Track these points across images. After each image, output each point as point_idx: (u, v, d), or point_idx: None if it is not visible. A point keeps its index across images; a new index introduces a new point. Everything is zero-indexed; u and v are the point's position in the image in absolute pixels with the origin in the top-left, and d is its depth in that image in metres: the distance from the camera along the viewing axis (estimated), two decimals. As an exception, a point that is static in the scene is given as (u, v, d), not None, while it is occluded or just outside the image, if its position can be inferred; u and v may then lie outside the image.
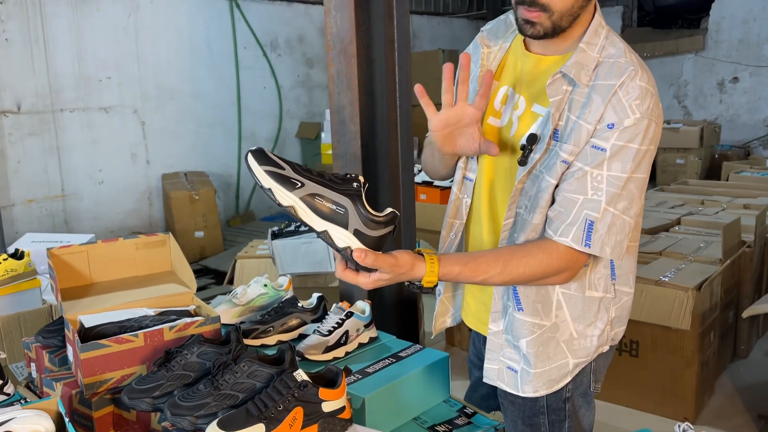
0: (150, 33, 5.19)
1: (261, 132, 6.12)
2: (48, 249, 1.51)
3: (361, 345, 1.54)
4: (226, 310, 1.67)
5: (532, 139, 1.13)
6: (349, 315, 1.53)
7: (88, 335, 1.37)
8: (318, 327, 1.53)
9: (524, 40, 1.21)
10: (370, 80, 1.76)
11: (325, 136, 5.64)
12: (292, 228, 2.91)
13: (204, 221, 4.84)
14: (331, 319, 1.52)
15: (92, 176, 4.96)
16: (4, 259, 2.14)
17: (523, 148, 1.14)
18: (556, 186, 1.11)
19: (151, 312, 1.47)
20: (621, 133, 1.06)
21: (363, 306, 1.58)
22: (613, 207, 1.07)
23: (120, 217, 5.14)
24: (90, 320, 1.40)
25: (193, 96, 5.53)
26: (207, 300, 1.59)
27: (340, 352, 1.49)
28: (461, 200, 1.30)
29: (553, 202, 1.11)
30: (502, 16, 1.27)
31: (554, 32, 1.10)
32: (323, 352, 1.46)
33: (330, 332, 1.49)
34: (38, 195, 4.69)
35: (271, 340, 1.56)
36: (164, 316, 1.46)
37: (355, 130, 1.72)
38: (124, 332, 1.36)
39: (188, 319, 1.39)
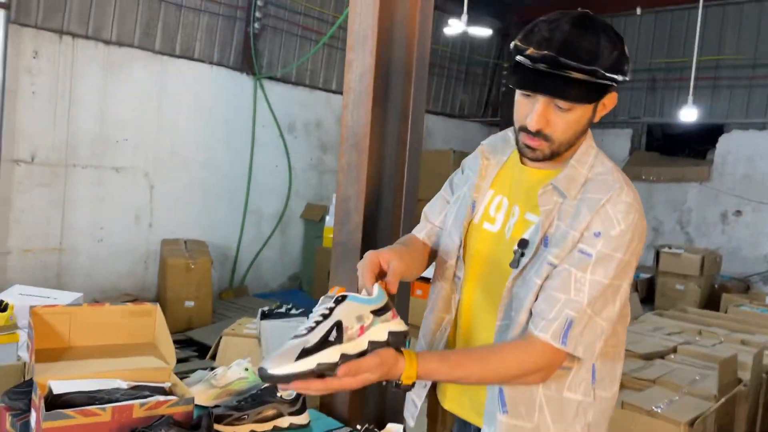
0: (173, 101, 5.34)
1: (267, 208, 6.17)
2: (31, 306, 1.47)
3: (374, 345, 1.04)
4: (203, 391, 1.62)
5: (524, 243, 1.19)
6: (342, 299, 1.06)
7: (55, 402, 1.31)
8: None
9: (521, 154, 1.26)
10: (378, 175, 1.78)
11: (329, 220, 5.68)
12: (282, 310, 2.86)
13: (196, 291, 4.78)
14: (314, 314, 1.07)
15: (93, 233, 4.96)
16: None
17: (515, 252, 1.20)
18: (541, 285, 1.16)
19: (124, 385, 1.41)
20: (607, 241, 1.13)
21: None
22: (591, 309, 1.13)
23: (113, 278, 5.09)
24: (60, 386, 1.35)
25: (205, 166, 5.62)
26: (186, 373, 1.54)
27: (329, 356, 1.00)
28: (451, 296, 1.32)
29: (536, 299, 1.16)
30: (500, 133, 1.38)
31: (552, 157, 1.19)
32: (296, 359, 0.99)
33: (310, 330, 1.02)
34: (35, 246, 4.67)
35: (244, 429, 1.49)
36: (137, 391, 1.40)
37: (358, 221, 1.72)
38: (93, 403, 1.30)
39: (161, 397, 1.34)
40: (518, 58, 1.13)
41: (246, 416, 1.50)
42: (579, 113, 1.14)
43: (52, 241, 4.76)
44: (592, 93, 1.12)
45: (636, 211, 1.15)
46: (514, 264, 1.18)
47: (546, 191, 1.18)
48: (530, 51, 1.10)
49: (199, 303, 4.80)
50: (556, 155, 1.18)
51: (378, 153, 1.77)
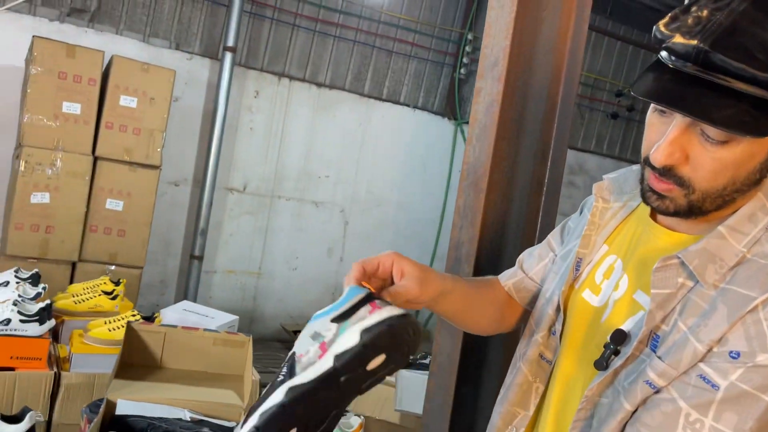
0: (373, 142, 5.52)
1: (457, 254, 6.02)
2: (128, 323, 1.50)
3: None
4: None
5: (619, 337, 0.81)
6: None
7: (117, 421, 1.29)
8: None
9: None
10: (501, 220, 1.53)
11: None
12: (427, 361, 2.66)
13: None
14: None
15: (288, 261, 5.27)
16: (137, 320, 2.23)
17: (606, 346, 0.82)
18: (633, 413, 0.76)
19: (188, 416, 1.35)
20: (748, 371, 0.70)
21: None
22: None
23: (302, 305, 5.33)
24: (125, 407, 1.33)
25: (399, 206, 5.68)
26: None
27: (273, 400, 0.73)
28: (532, 385, 0.98)
29: None
30: (635, 167, 0.95)
31: (690, 213, 0.80)
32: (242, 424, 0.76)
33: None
34: (238, 268, 5.08)
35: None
36: (198, 425, 1.33)
37: (468, 272, 1.48)
38: (147, 431, 1.25)
39: (211, 437, 1.25)
40: (661, 53, 0.76)
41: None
42: (742, 150, 0.72)
43: (252, 266, 5.14)
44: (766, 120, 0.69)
45: None
46: (601, 364, 0.81)
47: (667, 266, 0.78)
48: (675, 40, 0.72)
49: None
50: (697, 211, 0.78)
51: (503, 194, 1.52)
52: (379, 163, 5.56)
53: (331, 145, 5.35)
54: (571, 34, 1.56)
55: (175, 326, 1.56)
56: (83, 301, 2.42)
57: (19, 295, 2.20)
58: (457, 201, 1.56)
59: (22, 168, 3.48)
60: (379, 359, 0.75)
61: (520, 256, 1.14)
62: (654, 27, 0.77)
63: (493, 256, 1.51)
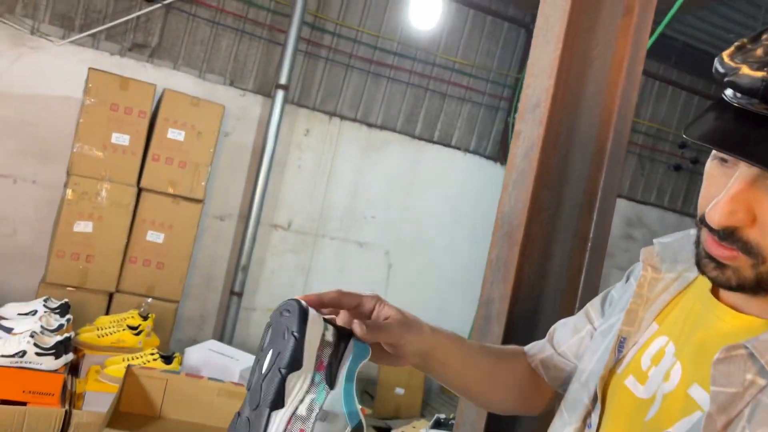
0: (422, 186, 5.41)
1: (505, 304, 5.78)
2: (129, 365, 1.41)
3: None
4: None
5: None
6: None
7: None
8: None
9: None
10: (537, 276, 1.37)
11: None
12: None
13: (408, 379, 4.58)
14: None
15: (329, 302, 5.15)
16: (155, 359, 2.14)
17: None
18: None
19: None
20: None
21: None
22: None
23: (340, 349, 5.18)
24: (111, 460, 1.22)
25: (445, 251, 5.51)
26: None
27: None
28: None
29: None
30: (693, 230, 0.77)
31: (758, 288, 0.63)
32: None
33: None
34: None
35: None
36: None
37: (498, 332, 1.32)
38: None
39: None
40: (724, 90, 0.62)
41: None
42: None
43: (292, 304, 5.05)
44: None
45: None
46: None
47: (731, 357, 0.61)
48: (741, 72, 0.58)
49: (410, 392, 4.57)
50: (762, 287, 0.62)
51: (541, 249, 1.37)
52: (426, 206, 5.44)
53: (379, 185, 5.27)
54: (623, 76, 1.41)
55: (178, 372, 1.46)
56: (106, 335, 2.36)
57: (42, 326, 2.15)
58: (490, 253, 1.41)
59: (68, 196, 3.52)
60: None
61: (552, 327, 0.98)
62: (716, 59, 0.63)
63: (527, 317, 1.35)
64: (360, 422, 0.65)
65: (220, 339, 4.64)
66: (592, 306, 0.95)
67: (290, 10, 4.66)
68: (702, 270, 0.68)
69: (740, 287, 0.64)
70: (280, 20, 4.78)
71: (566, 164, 1.38)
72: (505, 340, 1.31)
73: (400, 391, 4.57)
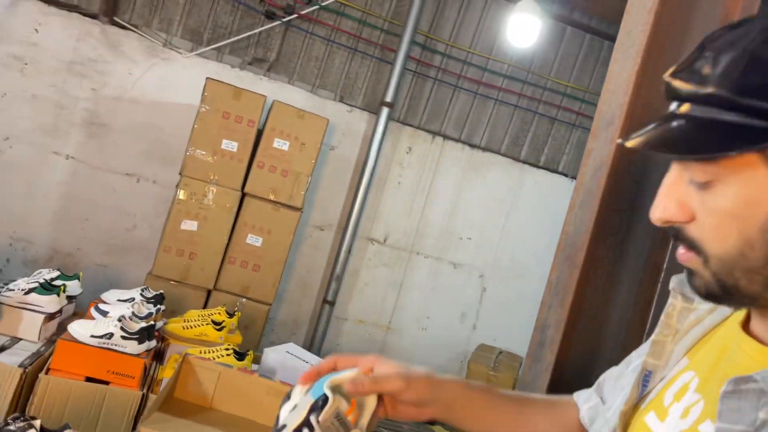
0: (523, 210, 5.27)
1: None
2: (185, 355, 1.47)
3: None
4: None
5: None
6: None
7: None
8: None
9: (748, 311, 0.66)
10: (600, 307, 1.28)
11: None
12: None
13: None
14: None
15: (419, 320, 5.13)
16: (228, 354, 2.23)
17: None
18: None
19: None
20: None
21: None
22: None
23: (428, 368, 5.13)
24: (155, 441, 1.27)
25: (542, 280, 5.29)
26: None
27: None
28: None
29: None
30: None
31: (724, 293, 0.59)
32: None
33: None
34: (368, 319, 5.05)
35: None
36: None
37: (550, 360, 1.25)
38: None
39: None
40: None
41: None
42: (735, 195, 0.56)
43: (383, 319, 5.08)
44: (717, 137, 0.54)
45: None
46: None
47: (742, 392, 0.55)
48: (674, 85, 0.61)
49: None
50: (731, 289, 0.58)
51: (606, 275, 1.28)
52: (526, 232, 5.29)
53: (477, 207, 5.20)
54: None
55: (230, 366, 1.50)
56: (191, 327, 2.49)
57: (133, 313, 2.31)
58: (550, 275, 1.35)
59: (180, 196, 3.77)
60: None
61: (603, 375, 0.91)
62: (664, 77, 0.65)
63: (583, 348, 1.27)
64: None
65: (310, 345, 4.75)
66: (639, 349, 0.88)
67: (402, 30, 4.75)
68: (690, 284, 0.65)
69: (711, 295, 0.61)
70: (391, 40, 4.88)
71: (639, 188, 1.30)
72: (557, 369, 1.24)
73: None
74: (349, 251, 4.80)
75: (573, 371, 1.25)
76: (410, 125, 5.07)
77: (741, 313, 0.68)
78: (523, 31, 4.68)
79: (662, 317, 0.75)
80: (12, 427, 1.29)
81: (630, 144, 0.61)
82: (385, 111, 4.70)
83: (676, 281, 0.76)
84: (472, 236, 5.20)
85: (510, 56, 5.14)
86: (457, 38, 5.09)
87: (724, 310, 0.71)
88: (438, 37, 5.03)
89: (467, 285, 5.22)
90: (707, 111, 0.56)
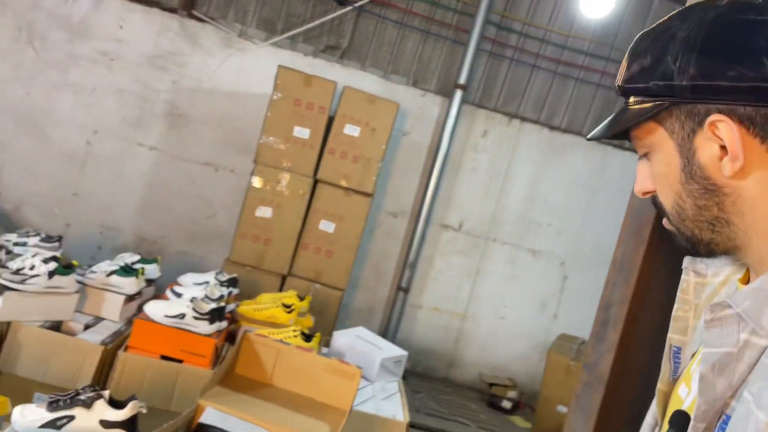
0: (606, 194, 5.03)
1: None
2: (246, 331, 1.47)
3: None
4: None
5: (679, 421, 0.65)
6: None
7: (198, 429, 1.25)
8: None
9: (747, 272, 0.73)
10: (668, 283, 1.17)
11: None
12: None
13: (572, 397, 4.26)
14: None
15: (496, 309, 5.02)
16: (295, 336, 2.24)
17: None
18: None
19: (266, 440, 1.26)
20: None
21: None
22: None
23: (504, 358, 5.02)
24: (210, 416, 1.29)
25: (628, 267, 5.07)
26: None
27: None
28: None
29: None
30: None
31: (691, 244, 0.71)
32: None
33: None
34: (443, 307, 4.99)
35: None
36: (270, 453, 1.23)
37: (613, 340, 1.16)
38: (219, 445, 1.19)
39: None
40: None
41: None
42: (658, 159, 0.71)
43: (458, 306, 5.00)
44: (631, 116, 0.71)
45: None
46: None
47: (719, 319, 0.61)
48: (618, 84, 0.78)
49: (574, 413, 4.26)
50: (698, 241, 0.69)
51: (673, 251, 1.17)
52: (609, 217, 5.03)
53: (558, 191, 5.01)
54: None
55: (288, 344, 1.50)
56: (262, 309, 2.53)
57: (206, 295, 2.36)
58: (615, 252, 1.25)
59: (255, 183, 3.85)
60: None
61: None
62: None
63: (650, 327, 1.17)
64: None
65: (385, 332, 4.75)
66: None
67: (476, 10, 4.63)
68: None
69: (688, 250, 0.72)
70: (465, 20, 4.77)
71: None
72: (622, 349, 1.15)
73: (562, 409, 4.29)
74: (422, 238, 4.75)
75: (639, 352, 1.15)
76: (485, 108, 4.95)
77: (746, 278, 0.73)
78: (600, 2, 4.44)
79: (678, 293, 0.78)
80: (82, 397, 1.35)
81: (588, 137, 0.76)
82: (458, 94, 4.61)
83: (688, 260, 0.81)
84: (552, 222, 5.02)
85: (591, 32, 4.91)
86: (534, 16, 4.90)
87: (735, 280, 0.74)
88: (514, 15, 4.87)
89: (547, 273, 5.05)
90: (628, 101, 0.72)
